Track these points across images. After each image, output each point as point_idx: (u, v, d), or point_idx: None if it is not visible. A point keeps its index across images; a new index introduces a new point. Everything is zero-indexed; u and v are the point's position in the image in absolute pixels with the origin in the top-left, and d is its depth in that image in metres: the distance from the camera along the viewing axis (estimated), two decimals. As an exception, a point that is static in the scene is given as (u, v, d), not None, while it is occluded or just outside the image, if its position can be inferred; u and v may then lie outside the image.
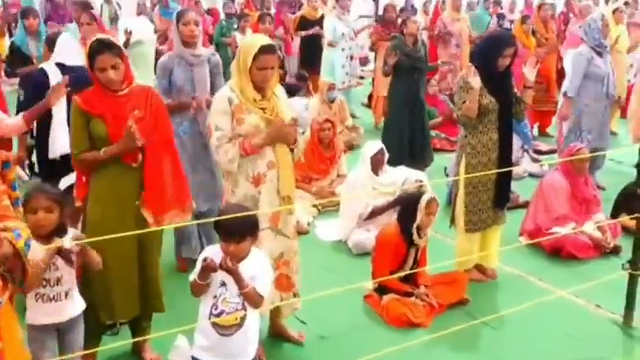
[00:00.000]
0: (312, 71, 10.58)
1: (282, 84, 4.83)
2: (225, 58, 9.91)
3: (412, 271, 5.00)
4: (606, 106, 7.56)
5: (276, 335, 4.59)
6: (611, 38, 8.41)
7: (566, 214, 6.15)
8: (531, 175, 8.28)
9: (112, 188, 3.88)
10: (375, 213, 6.24)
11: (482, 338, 4.73)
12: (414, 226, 4.95)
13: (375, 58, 11.18)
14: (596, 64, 7.36)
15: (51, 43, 5.46)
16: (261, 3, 14.80)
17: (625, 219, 6.07)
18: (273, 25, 11.23)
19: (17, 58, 7.48)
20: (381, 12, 13.68)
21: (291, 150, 4.21)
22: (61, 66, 5.20)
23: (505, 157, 5.21)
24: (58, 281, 3.46)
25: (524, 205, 6.75)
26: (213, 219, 3.53)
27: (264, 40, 4.05)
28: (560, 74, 9.87)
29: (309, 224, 6.68)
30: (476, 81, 4.97)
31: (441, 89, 10.43)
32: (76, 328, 3.61)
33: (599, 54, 7.40)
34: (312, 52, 10.97)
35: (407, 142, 7.91)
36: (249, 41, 4.15)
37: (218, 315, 3.40)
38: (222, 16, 13.07)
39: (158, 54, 8.18)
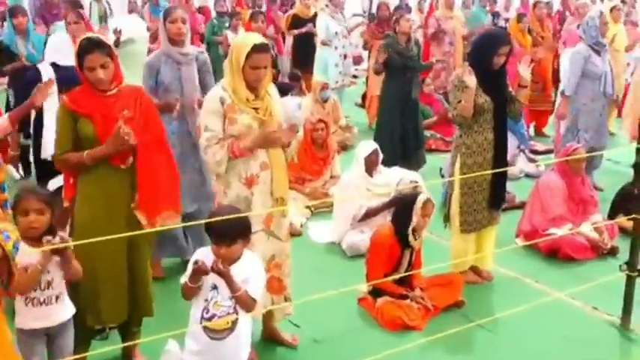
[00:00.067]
0: (305, 70, 10.51)
1: (274, 83, 4.79)
2: (216, 57, 9.92)
3: (407, 274, 4.95)
4: (604, 105, 7.55)
5: (268, 338, 4.54)
6: (608, 37, 8.37)
7: (562, 214, 6.11)
8: (527, 175, 8.27)
9: (101, 189, 3.81)
10: (369, 214, 6.19)
11: (478, 341, 4.69)
12: (410, 228, 4.90)
13: (369, 56, 11.13)
14: (594, 62, 7.34)
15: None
16: (252, 1, 14.74)
17: (622, 220, 6.06)
18: (266, 23, 11.17)
19: (5, 57, 7.41)
20: (375, 10, 13.64)
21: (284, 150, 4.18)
22: (54, 66, 5.16)
23: (500, 157, 5.19)
24: (49, 285, 3.41)
25: (520, 205, 6.73)
26: (203, 220, 3.50)
27: (257, 38, 4.00)
28: (555, 73, 9.88)
29: (302, 226, 6.63)
30: (471, 80, 4.93)
31: (435, 88, 10.40)
32: (66, 332, 3.57)
33: (597, 52, 7.38)
34: (305, 51, 10.90)
35: (398, 141, 7.84)
36: (242, 40, 4.10)
37: (209, 319, 3.38)
38: (213, 14, 12.99)
39: (150, 53, 8.12)
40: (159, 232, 3.95)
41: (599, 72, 7.33)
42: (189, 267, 3.38)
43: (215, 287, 3.38)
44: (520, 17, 10.12)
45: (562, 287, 5.26)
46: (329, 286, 4.79)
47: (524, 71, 5.28)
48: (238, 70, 3.91)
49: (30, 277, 3.25)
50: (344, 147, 9.08)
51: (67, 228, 4.08)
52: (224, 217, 3.28)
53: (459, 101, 5.01)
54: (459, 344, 4.59)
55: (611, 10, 9.88)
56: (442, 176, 7.50)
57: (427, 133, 9.13)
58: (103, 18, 10.14)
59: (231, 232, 3.34)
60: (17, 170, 6.87)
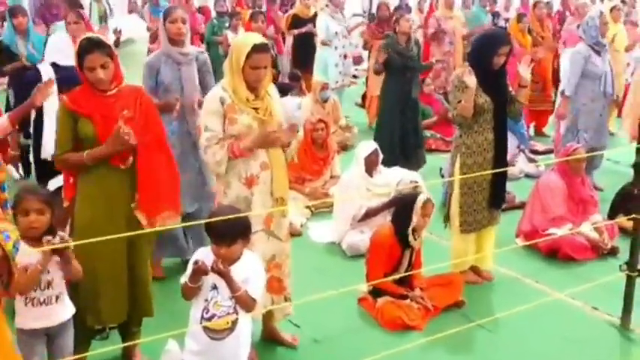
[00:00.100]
0: (304, 70, 10.51)
1: (275, 83, 4.79)
2: (216, 57, 9.89)
3: (407, 274, 4.95)
4: (604, 105, 7.54)
5: (269, 338, 4.53)
6: (608, 37, 8.37)
7: (562, 214, 6.10)
8: (527, 175, 8.26)
9: (101, 189, 3.81)
10: (369, 214, 6.19)
11: (477, 341, 4.68)
12: (410, 228, 4.89)
13: (369, 56, 11.12)
14: (594, 62, 7.34)
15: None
16: (252, 1, 14.73)
17: (622, 220, 6.04)
18: (266, 23, 11.16)
19: (5, 57, 7.40)
20: (375, 10, 13.63)
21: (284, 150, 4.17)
22: (54, 66, 5.16)
23: (500, 157, 5.18)
24: (49, 285, 3.40)
25: (521, 205, 6.72)
26: (203, 220, 3.49)
27: (257, 38, 3.99)
28: (555, 73, 9.87)
29: (302, 226, 6.63)
30: (472, 80, 4.92)
31: (435, 88, 10.39)
32: (66, 332, 3.56)
33: (597, 52, 7.37)
34: (305, 51, 10.89)
35: (398, 141, 7.82)
36: (242, 40, 4.10)
37: (209, 319, 3.38)
38: (213, 14, 12.98)
39: (150, 53, 8.11)
40: (159, 232, 3.95)
41: (599, 72, 7.33)
42: (189, 267, 3.37)
43: (215, 287, 3.37)
44: (520, 17, 10.11)
45: (562, 287, 5.25)
46: (329, 286, 4.79)
47: (524, 71, 5.27)
48: (238, 70, 3.91)
49: (30, 277, 3.25)
50: (344, 147, 9.08)
51: (67, 228, 4.08)
52: (224, 217, 3.27)
53: (459, 101, 5.00)
54: (459, 344, 4.58)
55: (611, 10, 9.89)
56: (442, 176, 7.50)
57: (427, 133, 9.12)
58: (103, 18, 10.11)
59: (231, 232, 3.33)
60: (17, 170, 6.87)
